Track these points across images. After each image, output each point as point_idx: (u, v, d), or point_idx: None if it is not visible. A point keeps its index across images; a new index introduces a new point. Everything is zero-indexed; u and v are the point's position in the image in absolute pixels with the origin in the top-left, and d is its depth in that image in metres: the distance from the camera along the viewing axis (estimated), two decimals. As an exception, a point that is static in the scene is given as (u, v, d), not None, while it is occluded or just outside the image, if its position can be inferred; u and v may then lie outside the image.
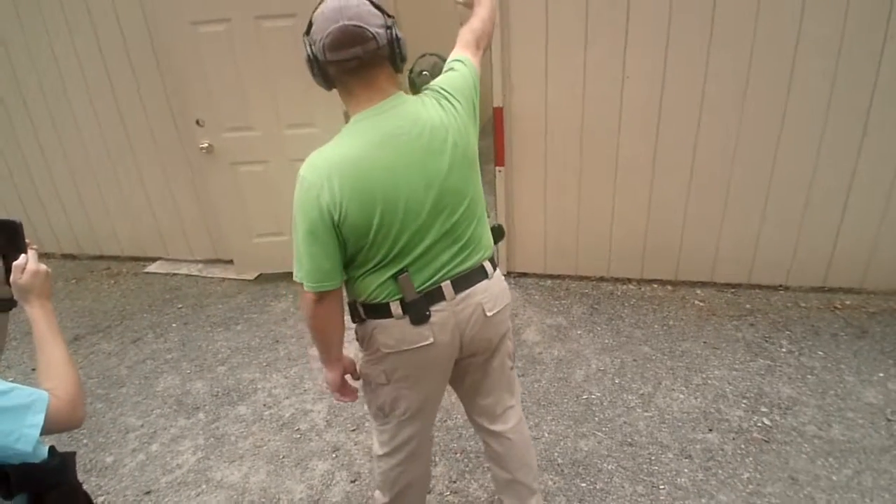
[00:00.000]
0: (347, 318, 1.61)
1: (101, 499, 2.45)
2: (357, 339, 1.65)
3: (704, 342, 3.03)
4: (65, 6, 3.77)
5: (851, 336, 2.97)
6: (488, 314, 1.58)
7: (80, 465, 2.62)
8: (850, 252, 3.20)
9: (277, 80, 3.47)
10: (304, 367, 3.14)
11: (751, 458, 2.33)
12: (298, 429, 2.72)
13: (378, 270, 1.47)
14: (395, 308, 1.49)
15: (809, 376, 2.74)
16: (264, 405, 2.90)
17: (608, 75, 3.14)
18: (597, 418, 2.61)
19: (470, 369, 1.72)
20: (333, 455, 2.56)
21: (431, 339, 1.52)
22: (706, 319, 3.21)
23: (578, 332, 3.20)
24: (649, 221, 3.43)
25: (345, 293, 1.57)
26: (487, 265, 1.59)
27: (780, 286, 3.41)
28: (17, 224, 1.24)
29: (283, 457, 2.58)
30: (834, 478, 2.22)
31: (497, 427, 1.82)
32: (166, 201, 4.23)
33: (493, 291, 1.59)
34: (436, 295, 1.50)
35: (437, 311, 1.51)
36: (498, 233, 1.75)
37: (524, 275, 3.81)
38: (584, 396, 2.74)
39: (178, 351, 3.39)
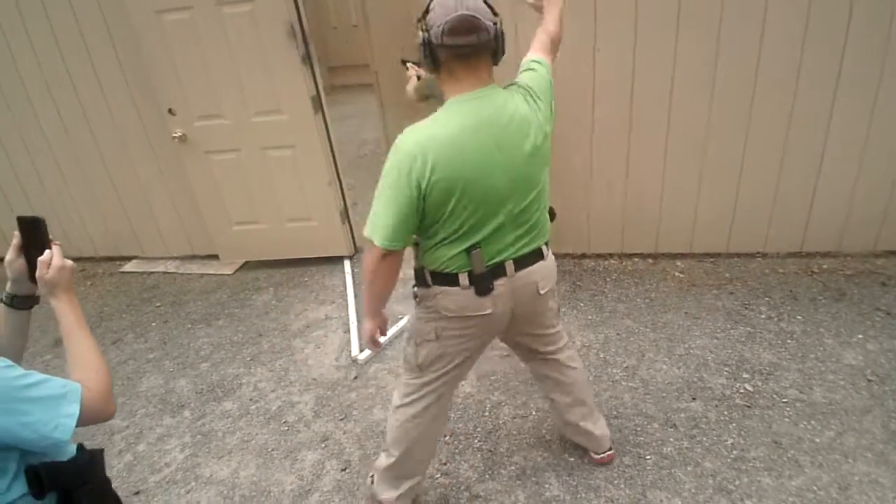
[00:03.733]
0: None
1: (88, 503, 2.42)
2: (414, 298, 1.79)
3: (686, 313, 3.05)
4: (21, 8, 3.65)
5: (830, 299, 3.02)
6: (541, 292, 1.74)
7: (66, 470, 2.59)
8: (826, 216, 3.24)
9: (242, 67, 3.41)
10: (288, 359, 3.12)
11: (734, 425, 2.37)
12: (286, 421, 2.71)
13: (452, 243, 1.60)
14: (463, 279, 1.63)
15: (789, 341, 2.77)
16: (250, 399, 2.88)
17: (579, 49, 3.11)
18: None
19: (521, 332, 1.92)
20: (322, 445, 2.55)
21: (490, 310, 1.67)
22: (686, 290, 3.23)
23: (562, 309, 3.21)
24: (627, 195, 3.44)
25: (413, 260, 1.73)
26: (544, 248, 1.75)
27: (758, 253, 3.44)
28: (40, 220, 1.23)
29: (272, 449, 2.56)
30: (817, 440, 2.26)
31: (550, 358, 2.05)
32: (137, 198, 4.15)
33: (546, 272, 1.76)
34: (499, 271, 1.65)
35: (499, 286, 1.65)
36: (551, 214, 1.83)
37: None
38: (570, 373, 2.75)
39: (160, 350, 3.35)
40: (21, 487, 1.06)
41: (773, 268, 3.32)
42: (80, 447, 1.17)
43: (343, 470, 2.41)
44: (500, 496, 2.20)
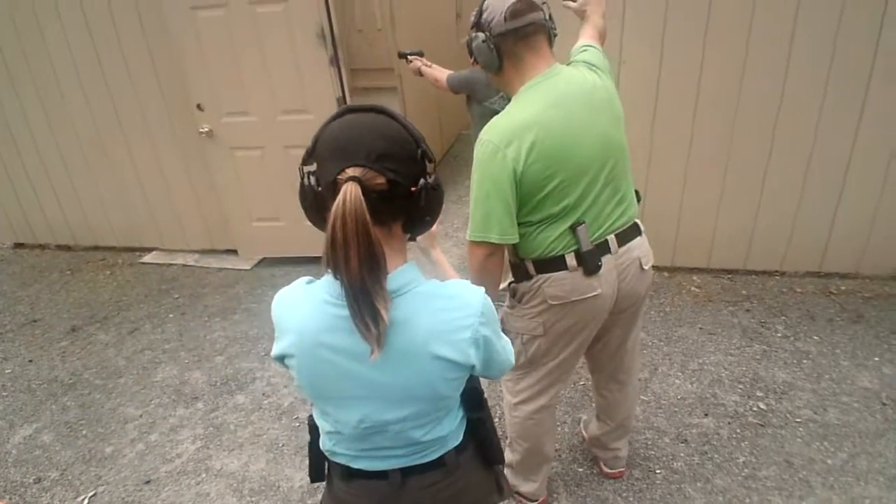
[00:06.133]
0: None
1: (100, 489, 2.46)
2: (512, 296, 1.76)
3: (701, 328, 3.04)
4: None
5: (847, 321, 2.99)
6: (644, 268, 1.72)
7: (80, 456, 2.64)
8: (846, 237, 3.21)
9: (271, 66, 3.46)
10: (302, 355, 3.14)
11: (746, 443, 2.35)
12: (297, 417, 2.73)
13: (556, 222, 1.59)
14: (570, 259, 1.61)
15: (805, 361, 2.75)
16: (263, 394, 2.90)
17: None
18: (594, 404, 2.61)
19: (616, 324, 1.84)
20: (332, 443, 2.56)
21: (599, 290, 1.64)
22: (703, 305, 3.22)
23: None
24: (645, 208, 3.40)
25: (508, 256, 1.71)
26: (639, 222, 1.75)
27: (776, 272, 3.42)
28: None
29: (283, 445, 2.59)
30: (829, 461, 2.24)
31: (621, 377, 2.03)
32: (160, 190, 4.21)
33: (646, 247, 1.75)
34: (603, 247, 1.63)
35: (605, 263, 1.64)
36: (637, 197, 1.83)
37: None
38: (581, 383, 2.75)
39: (176, 341, 3.39)
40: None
41: (791, 287, 3.30)
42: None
43: (352, 468, 2.42)
44: (507, 503, 2.20)
